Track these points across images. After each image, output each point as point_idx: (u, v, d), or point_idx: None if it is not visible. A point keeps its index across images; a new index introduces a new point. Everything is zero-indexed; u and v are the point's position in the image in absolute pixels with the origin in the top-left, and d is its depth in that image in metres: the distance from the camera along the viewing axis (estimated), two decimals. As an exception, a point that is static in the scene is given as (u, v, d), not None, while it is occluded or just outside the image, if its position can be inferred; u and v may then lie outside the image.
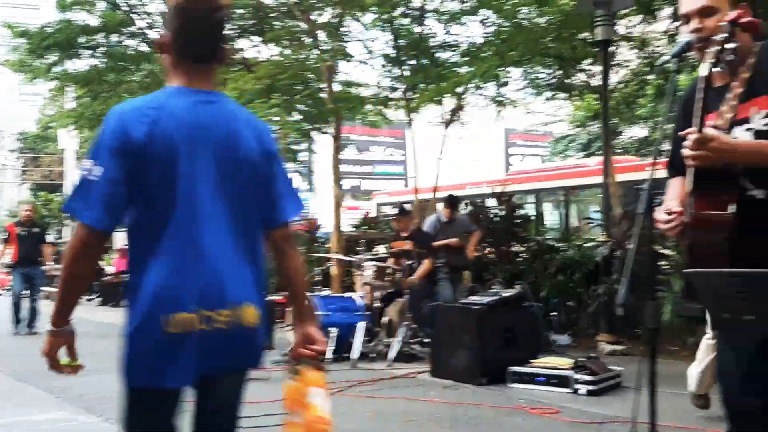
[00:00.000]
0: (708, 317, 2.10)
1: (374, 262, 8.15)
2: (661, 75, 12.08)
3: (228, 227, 2.03)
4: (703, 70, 2.14)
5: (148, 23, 13.68)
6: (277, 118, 12.04)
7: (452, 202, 9.15)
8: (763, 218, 2.17)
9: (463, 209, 10.11)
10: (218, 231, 2.01)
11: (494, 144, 38.36)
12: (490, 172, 32.69)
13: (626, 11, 11.24)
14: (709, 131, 2.12)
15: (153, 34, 13.14)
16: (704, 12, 2.29)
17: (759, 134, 2.20)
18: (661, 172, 2.52)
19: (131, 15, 13.58)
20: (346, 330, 7.64)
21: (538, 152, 39.45)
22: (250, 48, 14.13)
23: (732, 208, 2.16)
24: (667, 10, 11.58)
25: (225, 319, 1.99)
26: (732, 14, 2.12)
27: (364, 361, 7.43)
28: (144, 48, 13.74)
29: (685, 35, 2.41)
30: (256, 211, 2.12)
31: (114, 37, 14.07)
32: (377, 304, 8.16)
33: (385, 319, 8.41)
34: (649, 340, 2.50)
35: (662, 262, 7.94)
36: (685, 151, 2.14)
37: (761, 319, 1.96)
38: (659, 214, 2.39)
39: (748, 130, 2.21)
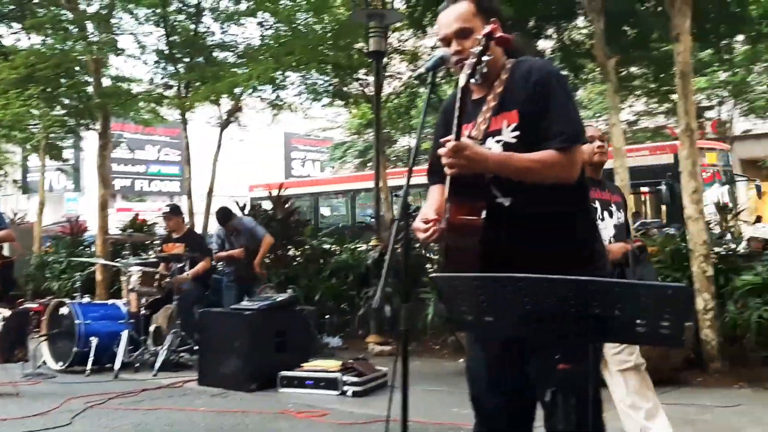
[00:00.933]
0: (454, 319, 2.19)
1: (141, 267, 7.73)
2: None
3: None
4: (461, 81, 2.24)
5: None
6: (37, 111, 11.11)
7: (223, 215, 8.83)
8: (509, 224, 2.31)
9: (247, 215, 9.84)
10: None
11: (275, 147, 38.33)
12: (271, 175, 32.62)
13: (399, 25, 11.72)
14: (464, 140, 2.22)
15: None
16: (460, 34, 2.41)
17: (507, 146, 2.34)
18: (421, 179, 2.61)
19: None
20: (108, 339, 7.26)
21: (318, 157, 39.98)
22: (9, 35, 12.95)
23: (483, 214, 2.28)
24: (436, 27, 12.24)
25: None
26: (487, 28, 2.23)
27: (128, 372, 7.07)
28: None
29: (439, 50, 2.52)
30: None
31: None
32: (144, 311, 7.77)
33: (152, 327, 8.06)
34: (403, 341, 2.56)
35: (428, 265, 8.36)
36: (443, 158, 2.22)
37: (500, 320, 2.08)
38: (417, 222, 2.47)
39: (498, 141, 2.34)
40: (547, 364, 2.02)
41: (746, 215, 12.62)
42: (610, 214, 3.93)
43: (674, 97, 9.79)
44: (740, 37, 12.18)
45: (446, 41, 2.45)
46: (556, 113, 2.29)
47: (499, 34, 2.26)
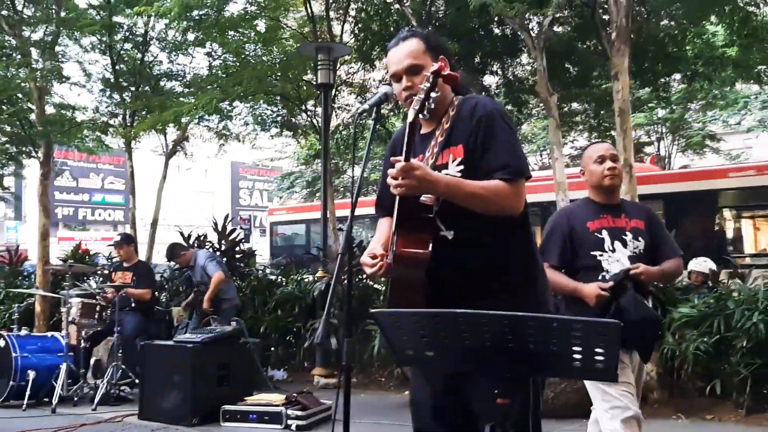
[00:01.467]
0: (396, 354, 2.20)
1: (81, 299, 7.56)
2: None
3: None
4: (410, 116, 2.29)
5: None
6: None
7: (169, 252, 8.62)
8: (452, 257, 2.34)
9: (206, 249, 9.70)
10: None
11: (222, 177, 38.07)
12: (218, 204, 32.33)
13: (347, 58, 11.83)
14: (414, 161, 2.25)
15: None
16: (411, 71, 2.47)
17: None
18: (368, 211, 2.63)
19: None
20: (46, 372, 7.08)
21: (266, 187, 39.82)
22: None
23: (430, 247, 2.31)
24: (384, 60, 12.40)
25: None
26: (434, 66, 2.28)
27: (66, 406, 6.89)
28: None
29: (384, 87, 2.58)
30: None
31: None
32: (84, 344, 7.58)
33: (92, 360, 7.86)
34: (345, 375, 2.56)
35: (374, 297, 8.36)
36: (391, 180, 2.23)
37: (440, 355, 2.10)
38: (364, 257, 2.49)
39: (445, 174, 2.39)
40: (487, 399, 2.05)
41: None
42: (624, 244, 3.52)
43: (614, 133, 10.07)
44: (677, 76, 12.63)
45: (397, 77, 2.51)
46: (500, 147, 2.35)
47: (446, 71, 2.32)
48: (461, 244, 2.35)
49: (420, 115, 2.27)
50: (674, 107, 17.47)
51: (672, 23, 10.50)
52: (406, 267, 2.34)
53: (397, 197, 2.33)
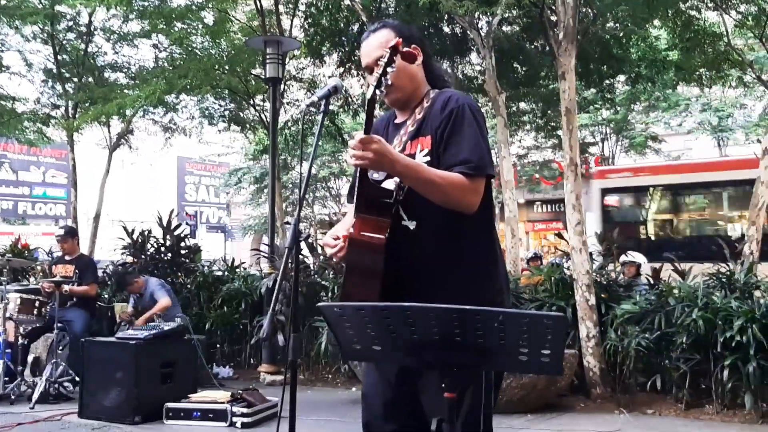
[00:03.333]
0: (343, 348, 2.18)
1: (19, 294, 7.34)
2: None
3: None
4: (368, 93, 2.26)
5: None
6: None
7: (118, 281, 8.40)
8: (413, 248, 2.34)
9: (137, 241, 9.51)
10: None
11: (168, 172, 37.46)
12: (164, 199, 31.80)
13: (296, 52, 11.75)
14: (375, 136, 2.22)
15: None
16: (378, 63, 2.46)
17: None
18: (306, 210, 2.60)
19: None
20: (-19, 370, 6.83)
21: (213, 182, 39.32)
22: None
23: (386, 234, 2.29)
24: (335, 56, 12.37)
25: None
26: (392, 42, 2.26)
27: (3, 404, 6.68)
28: None
29: (333, 79, 2.56)
30: None
31: None
32: (22, 340, 7.36)
33: (30, 357, 7.64)
34: (291, 371, 2.53)
35: (322, 293, 8.32)
36: (349, 150, 2.21)
37: (388, 349, 2.09)
38: (326, 238, 2.47)
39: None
40: (435, 393, 2.05)
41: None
42: None
43: (560, 132, 10.22)
44: (621, 78, 12.88)
45: (369, 70, 2.49)
46: (464, 142, 2.34)
47: (405, 48, 2.31)
48: (423, 235, 2.34)
49: (377, 91, 2.23)
50: (618, 108, 17.81)
51: (617, 25, 10.70)
52: (360, 252, 2.32)
53: (358, 181, 2.31)
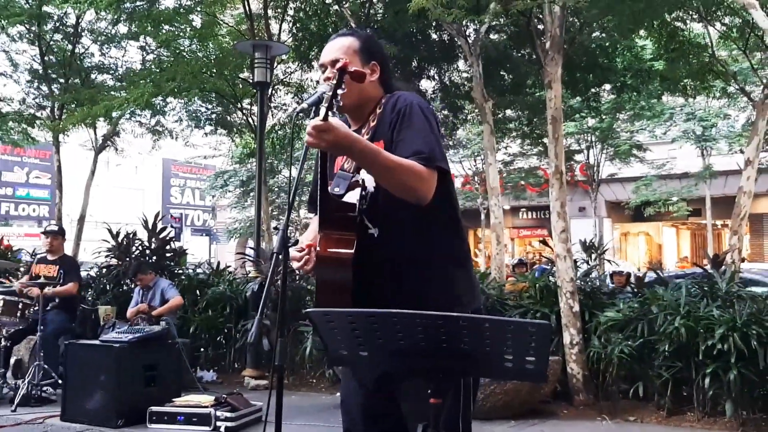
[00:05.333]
0: (329, 354, 2.20)
1: (2, 296, 7.29)
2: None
3: None
4: (321, 114, 2.21)
5: None
6: None
7: (137, 267, 8.47)
8: (377, 255, 2.35)
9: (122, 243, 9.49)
10: None
11: (153, 174, 37.30)
12: (149, 202, 31.67)
13: (284, 57, 11.76)
14: (334, 120, 2.18)
15: None
16: (335, 63, 2.47)
17: None
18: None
19: None
20: (-38, 373, 6.79)
21: (198, 185, 39.17)
22: None
23: (353, 247, 2.29)
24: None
25: None
26: (339, 63, 2.28)
27: (-16, 407, 6.63)
28: None
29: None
30: None
31: None
32: (4, 342, 7.31)
33: (13, 359, 7.59)
34: (278, 376, 2.54)
35: (307, 298, 8.32)
36: (306, 137, 2.19)
37: (374, 355, 2.11)
38: (292, 252, 2.47)
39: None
40: (420, 399, 2.06)
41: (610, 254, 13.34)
42: None
43: (546, 140, 10.28)
44: (607, 87, 12.98)
45: (323, 68, 2.53)
46: (414, 136, 2.32)
47: (353, 68, 2.32)
48: (386, 241, 2.36)
49: (329, 113, 2.20)
50: (604, 117, 17.93)
51: (603, 35, 10.78)
52: (329, 268, 2.33)
53: (320, 197, 2.32)
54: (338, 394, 7.43)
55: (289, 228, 2.44)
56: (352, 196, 2.39)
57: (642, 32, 10.57)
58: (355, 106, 2.51)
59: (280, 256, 2.44)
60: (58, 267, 7.83)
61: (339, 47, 2.53)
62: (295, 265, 2.45)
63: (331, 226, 2.34)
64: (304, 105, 2.55)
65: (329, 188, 2.41)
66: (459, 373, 2.04)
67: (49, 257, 7.98)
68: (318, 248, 2.34)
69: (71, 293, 7.73)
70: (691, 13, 9.53)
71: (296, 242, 2.57)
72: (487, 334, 1.89)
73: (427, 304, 1.99)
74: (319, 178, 2.36)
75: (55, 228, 8.26)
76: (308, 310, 2.06)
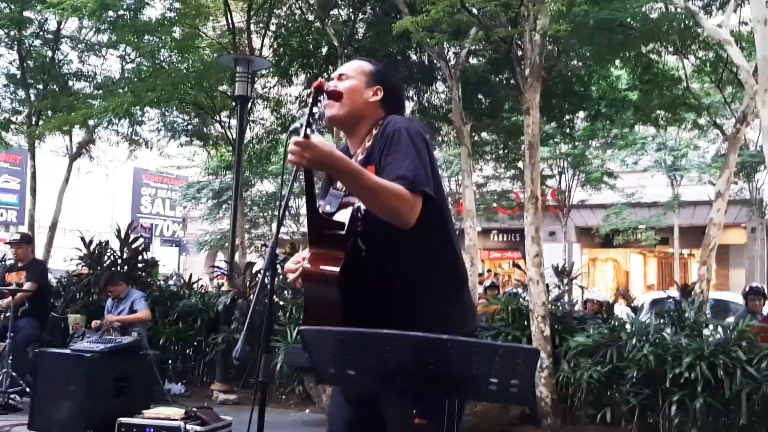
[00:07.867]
0: (317, 371, 2.23)
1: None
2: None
3: None
4: (301, 132, 2.20)
5: None
6: None
7: (110, 278, 8.42)
8: (368, 274, 2.37)
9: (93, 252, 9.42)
10: None
11: (123, 182, 36.90)
12: (118, 210, 31.31)
13: (264, 72, 11.80)
14: (315, 138, 2.18)
15: None
16: (339, 78, 2.57)
17: None
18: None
19: None
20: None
21: (169, 195, 38.80)
22: None
23: (340, 266, 2.29)
24: (302, 77, 12.45)
25: None
26: (315, 83, 2.31)
27: (-53, 415, 6.52)
28: None
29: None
30: None
31: None
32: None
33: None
34: (261, 392, 2.57)
35: (279, 313, 8.32)
36: (288, 156, 2.19)
37: (362, 375, 2.14)
38: (289, 264, 2.50)
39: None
40: (405, 418, 2.10)
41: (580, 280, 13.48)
42: None
43: (520, 164, 10.42)
44: (581, 114, 13.19)
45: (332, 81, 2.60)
46: (400, 160, 2.32)
47: (330, 88, 2.39)
48: (378, 261, 2.38)
49: (308, 130, 2.20)
50: (577, 143, 18.17)
51: (580, 64, 10.98)
52: (314, 284, 2.35)
53: (308, 214, 2.34)
54: (307, 411, 7.44)
55: (259, 241, 2.47)
56: (344, 215, 2.40)
57: (618, 62, 10.80)
58: (346, 119, 2.52)
59: (268, 273, 2.48)
60: (26, 272, 7.80)
61: (350, 66, 2.62)
62: (290, 276, 2.47)
63: (318, 243, 2.36)
64: (297, 125, 2.59)
65: (320, 206, 2.44)
66: (444, 395, 2.08)
67: (20, 264, 7.98)
68: (307, 264, 2.36)
69: (29, 292, 7.63)
70: (666, 45, 9.76)
71: (285, 260, 2.60)
72: (474, 358, 1.94)
73: (417, 326, 2.01)
74: (306, 196, 2.36)
75: (17, 237, 8.34)
76: (301, 327, 2.09)
